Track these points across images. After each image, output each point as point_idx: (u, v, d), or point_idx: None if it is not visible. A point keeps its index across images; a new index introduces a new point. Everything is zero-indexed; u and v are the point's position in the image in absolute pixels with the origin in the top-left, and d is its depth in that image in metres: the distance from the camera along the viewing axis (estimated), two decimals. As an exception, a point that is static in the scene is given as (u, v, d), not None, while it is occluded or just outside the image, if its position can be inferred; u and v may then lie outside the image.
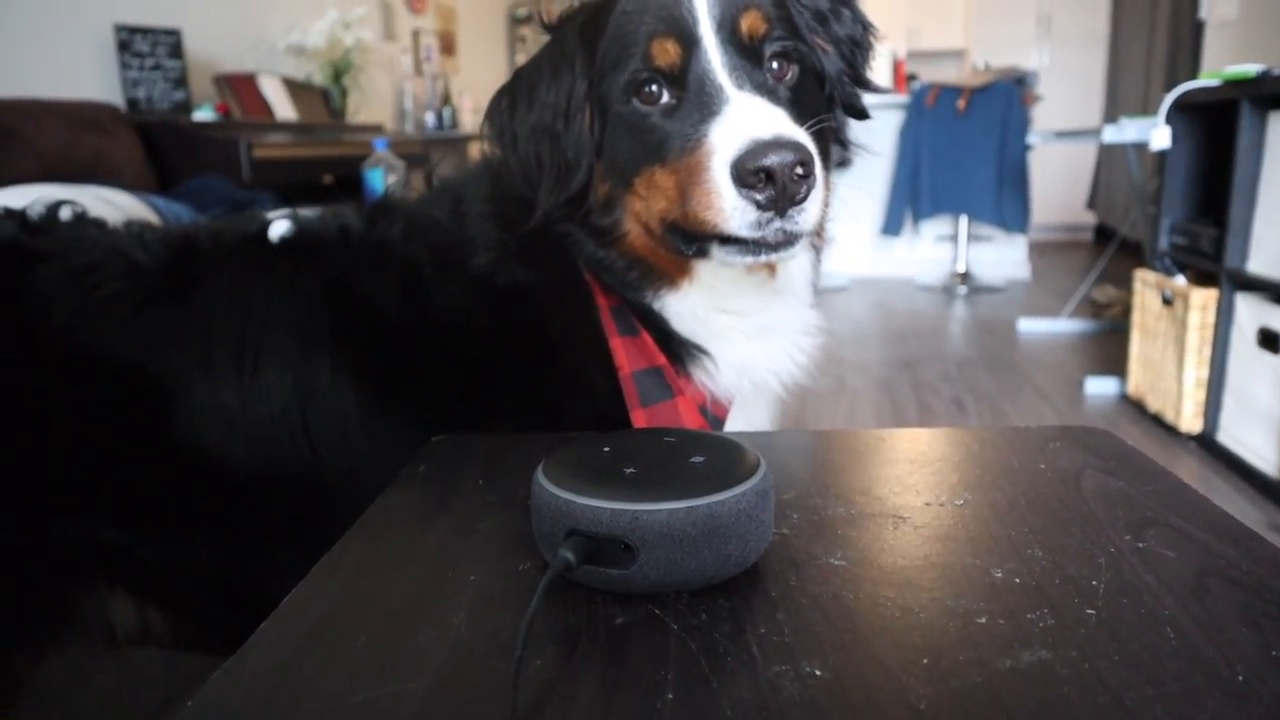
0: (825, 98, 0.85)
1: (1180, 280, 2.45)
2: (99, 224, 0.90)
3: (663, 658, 0.39)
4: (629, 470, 0.44)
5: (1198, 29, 4.27)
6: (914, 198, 4.86)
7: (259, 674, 0.39)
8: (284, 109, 3.97)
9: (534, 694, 0.37)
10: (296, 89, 4.17)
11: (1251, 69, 2.12)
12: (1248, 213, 2.19)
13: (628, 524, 0.41)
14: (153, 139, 3.12)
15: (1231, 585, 0.45)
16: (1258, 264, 2.16)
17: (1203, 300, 2.31)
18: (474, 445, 0.67)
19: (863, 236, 5.39)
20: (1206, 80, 2.30)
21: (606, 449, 0.47)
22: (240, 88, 3.78)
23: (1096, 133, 3.00)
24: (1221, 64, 3.35)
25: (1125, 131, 2.84)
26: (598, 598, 0.44)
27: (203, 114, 3.46)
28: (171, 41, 3.40)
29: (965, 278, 4.91)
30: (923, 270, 5.28)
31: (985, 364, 3.25)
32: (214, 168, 3.11)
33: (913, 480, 0.58)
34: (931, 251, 5.37)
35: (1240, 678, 0.37)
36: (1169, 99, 2.46)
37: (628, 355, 0.79)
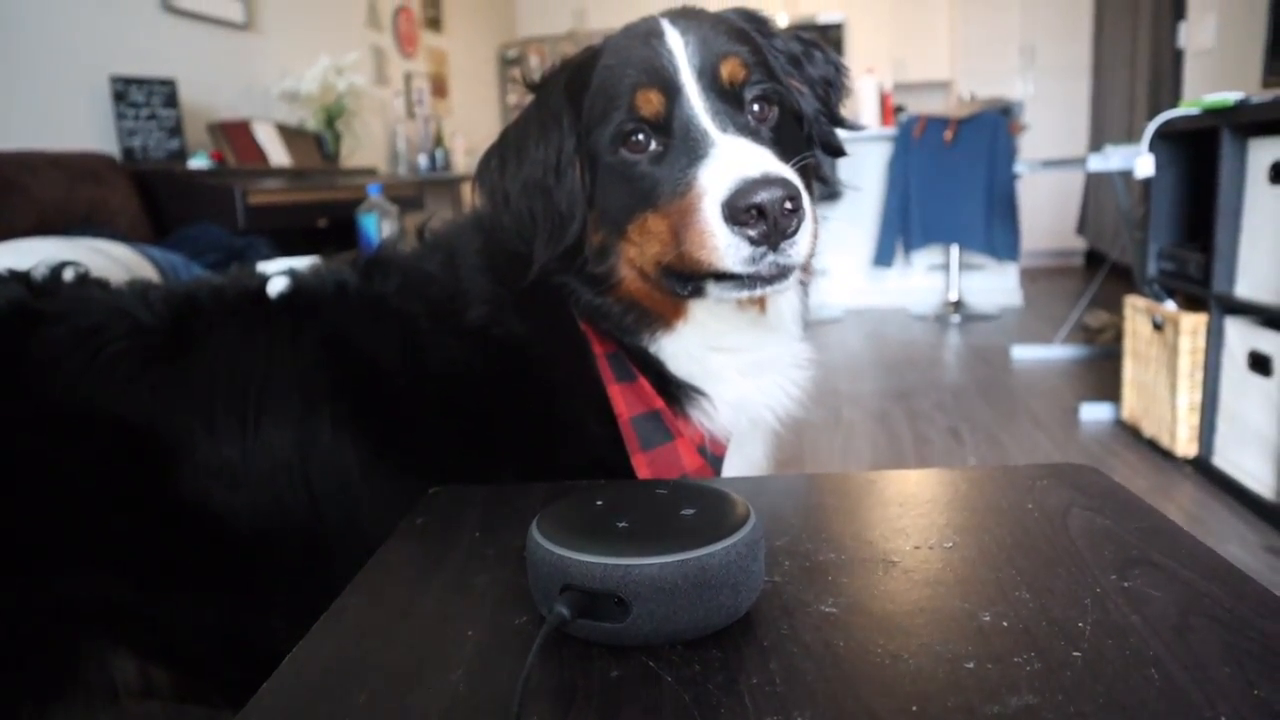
0: (805, 136, 0.87)
1: (1170, 305, 2.47)
2: (103, 284, 0.91)
3: (657, 710, 0.39)
4: (621, 524, 0.45)
5: (1177, 57, 4.33)
6: (904, 228, 4.90)
7: (261, 737, 0.40)
8: (278, 155, 4.01)
9: (531, 751, 0.37)
10: (290, 135, 4.21)
11: (1230, 97, 2.16)
12: (1233, 237, 2.22)
13: (620, 578, 0.42)
14: (148, 188, 3.15)
15: (1215, 624, 0.46)
16: (1245, 288, 2.18)
17: (1192, 325, 2.33)
18: (471, 496, 0.68)
19: (855, 268, 5.42)
20: (1186, 109, 2.34)
21: (599, 502, 0.48)
22: (234, 135, 3.82)
23: (1082, 161, 3.03)
24: (1201, 92, 3.40)
25: (1110, 159, 2.88)
26: (593, 651, 0.45)
27: (197, 162, 3.49)
28: (166, 91, 3.44)
29: (958, 306, 4.94)
30: (916, 300, 5.32)
31: (980, 392, 3.26)
32: (209, 215, 3.14)
33: (902, 523, 0.59)
34: (924, 281, 5.40)
35: (1222, 718, 0.38)
36: (1151, 127, 2.50)
37: (625, 401, 0.80)
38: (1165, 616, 0.47)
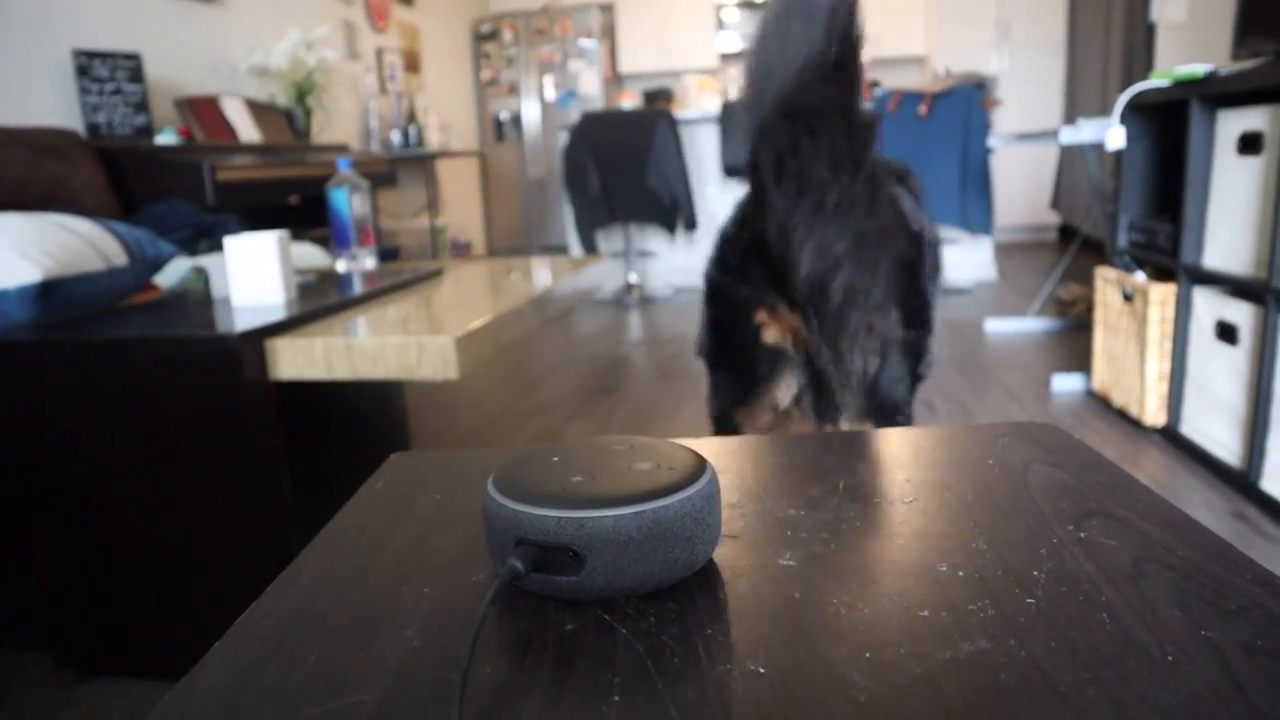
0: None
1: (1140, 276, 2.49)
2: None
3: (610, 661, 0.39)
4: (576, 479, 0.44)
5: (1150, 31, 4.35)
6: (879, 203, 4.91)
7: (208, 694, 0.40)
8: (247, 131, 3.96)
9: (483, 701, 0.37)
10: (260, 110, 4.15)
11: (1199, 69, 2.17)
12: (1201, 208, 2.23)
13: (574, 531, 0.41)
14: (114, 164, 3.10)
15: (1167, 570, 0.46)
16: (1213, 258, 2.20)
17: (1161, 295, 2.35)
18: (432, 460, 0.67)
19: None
20: (1157, 81, 2.35)
21: (556, 459, 0.47)
22: (203, 110, 3.76)
23: (1055, 134, 3.05)
24: (1172, 65, 3.41)
25: (1082, 132, 2.89)
26: (549, 605, 0.44)
27: (165, 138, 3.44)
28: (132, 66, 3.38)
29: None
30: (891, 274, 5.31)
31: (954, 365, 3.28)
32: (177, 191, 3.10)
33: (863, 480, 0.59)
34: (899, 255, 5.41)
35: (1170, 658, 0.38)
36: (1123, 99, 2.51)
37: None
38: (1119, 564, 0.47)
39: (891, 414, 1.26)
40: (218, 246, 2.20)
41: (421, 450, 0.70)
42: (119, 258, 1.77)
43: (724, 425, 1.34)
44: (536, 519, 0.42)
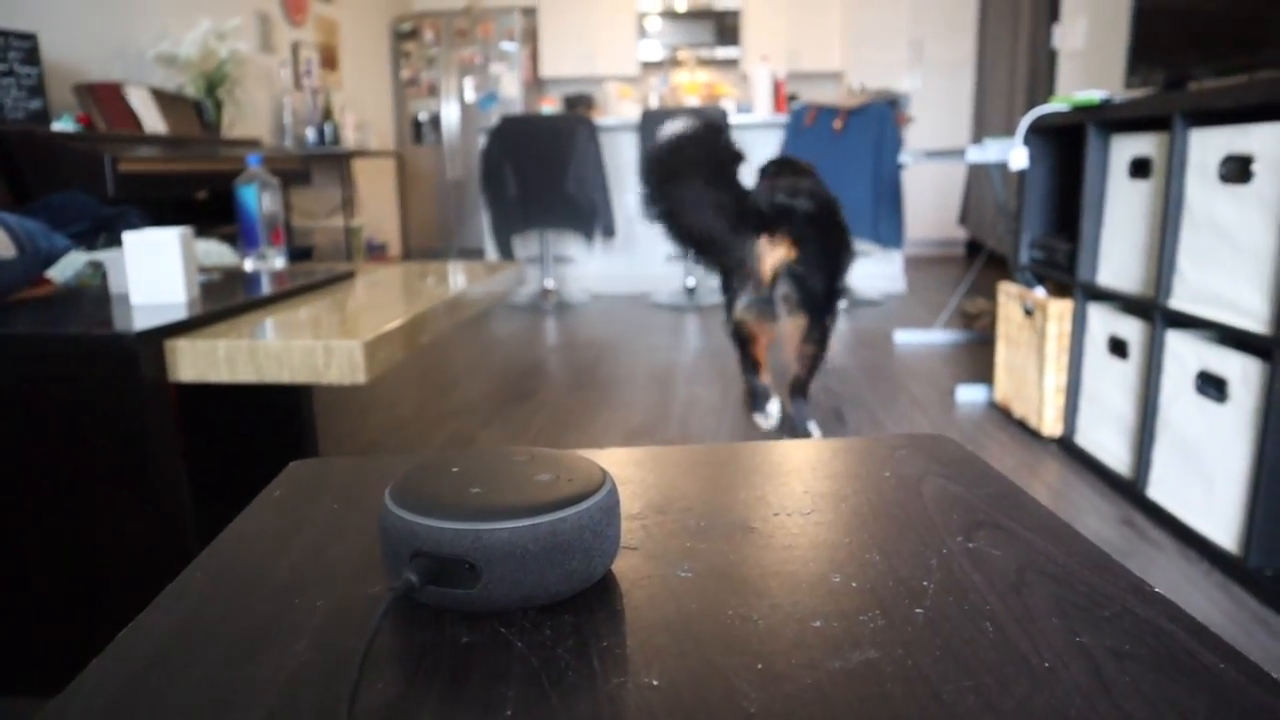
0: None
1: (1040, 292, 2.59)
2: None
3: (504, 675, 0.39)
4: (475, 490, 0.44)
5: (1052, 57, 4.53)
6: (795, 214, 5.00)
7: (80, 715, 0.38)
8: (153, 121, 3.82)
9: (372, 716, 0.37)
10: (167, 100, 4.01)
11: (1096, 96, 2.27)
12: (1097, 228, 2.34)
13: (470, 544, 0.41)
14: (6, 150, 2.96)
15: (1047, 579, 0.48)
16: (1107, 276, 2.30)
17: (1059, 311, 2.45)
18: (331, 468, 0.66)
19: (748, 252, 5.49)
20: (1057, 105, 2.45)
21: (455, 469, 0.47)
22: (105, 98, 3.62)
23: (963, 153, 3.14)
24: (1072, 90, 3.56)
25: (988, 152, 2.99)
26: (444, 618, 0.44)
27: (63, 125, 3.29)
28: (26, 46, 3.23)
29: (845, 292, 5.07)
30: (806, 284, 5.42)
31: (864, 375, 3.36)
32: (75, 182, 2.97)
33: (763, 492, 0.60)
34: (813, 266, 5.52)
35: (1047, 664, 0.40)
36: (1025, 121, 2.60)
37: None
38: (1004, 574, 0.49)
39: (825, 311, 2.50)
40: (118, 241, 2.12)
41: (322, 458, 0.68)
42: (6, 250, 1.69)
43: (738, 330, 2.63)
44: (433, 531, 0.42)
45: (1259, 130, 1.68)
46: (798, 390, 2.58)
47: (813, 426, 2.65)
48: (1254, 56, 1.88)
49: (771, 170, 2.87)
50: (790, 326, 2.48)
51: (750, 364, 2.69)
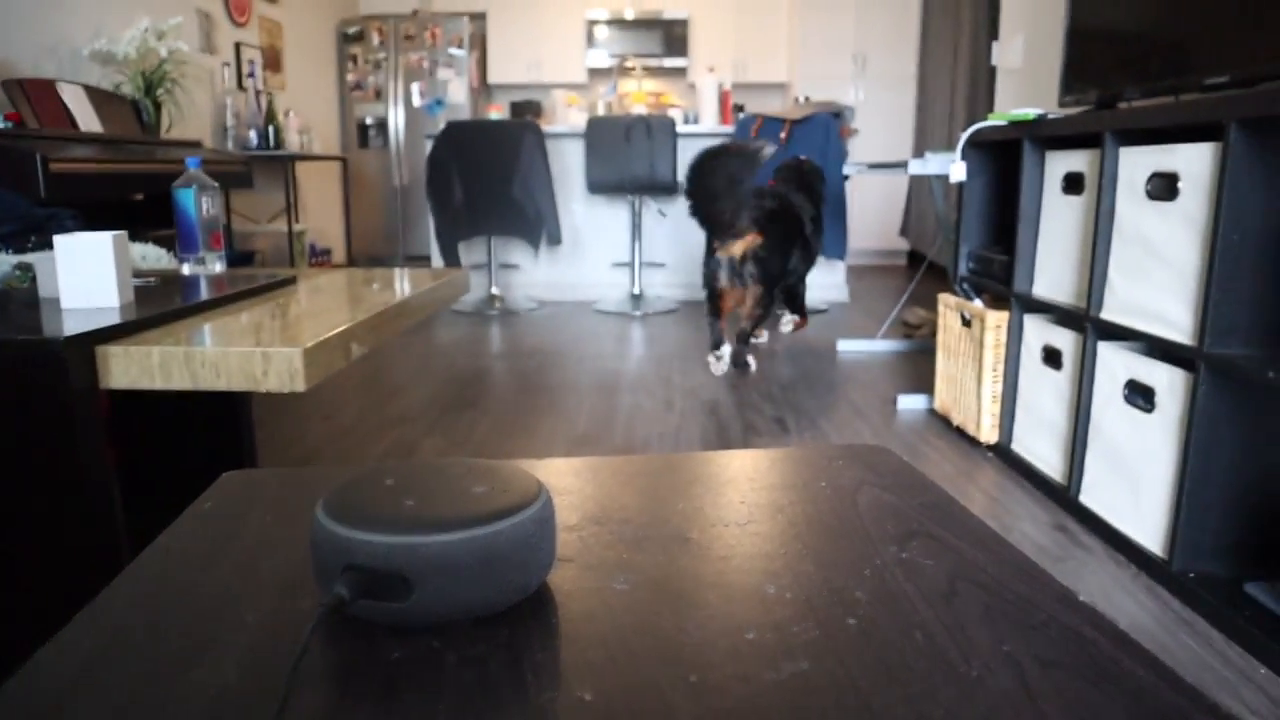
0: None
1: (977, 303, 2.65)
2: None
3: (436, 690, 0.39)
4: (409, 502, 0.44)
5: (992, 74, 4.64)
6: (741, 224, 5.04)
7: (-5, 736, 0.37)
8: (88, 120, 3.72)
9: (300, 736, 0.36)
10: (103, 99, 3.91)
11: (1031, 112, 2.32)
12: (1033, 241, 2.39)
13: (404, 557, 0.41)
14: (-71, 150, 2.86)
15: (977, 588, 0.49)
16: (1041, 288, 2.36)
17: (996, 321, 2.50)
18: (263, 480, 0.65)
19: (692, 262, 5.53)
20: (995, 120, 2.51)
21: (390, 482, 0.46)
22: (37, 95, 3.51)
23: (904, 165, 3.20)
24: (1010, 106, 3.65)
25: (929, 165, 3.05)
26: (377, 633, 0.43)
27: (-10, 124, 3.19)
28: (-47, 45, 3.13)
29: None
30: (752, 293, 5.47)
31: (806, 384, 3.39)
32: (5, 182, 2.88)
33: (701, 503, 0.60)
34: (759, 275, 5.58)
35: (975, 673, 0.41)
36: (964, 136, 2.66)
37: None
38: (935, 584, 0.50)
39: (796, 290, 3.96)
40: (50, 244, 2.05)
41: (255, 469, 0.67)
42: (-71, 253, 1.63)
43: (711, 288, 3.51)
44: (365, 544, 0.41)
45: (1184, 150, 1.74)
46: (742, 338, 3.60)
47: (751, 361, 3.64)
48: (1180, 79, 1.94)
49: (781, 173, 3.93)
50: (748, 294, 3.47)
51: (715, 312, 3.57)
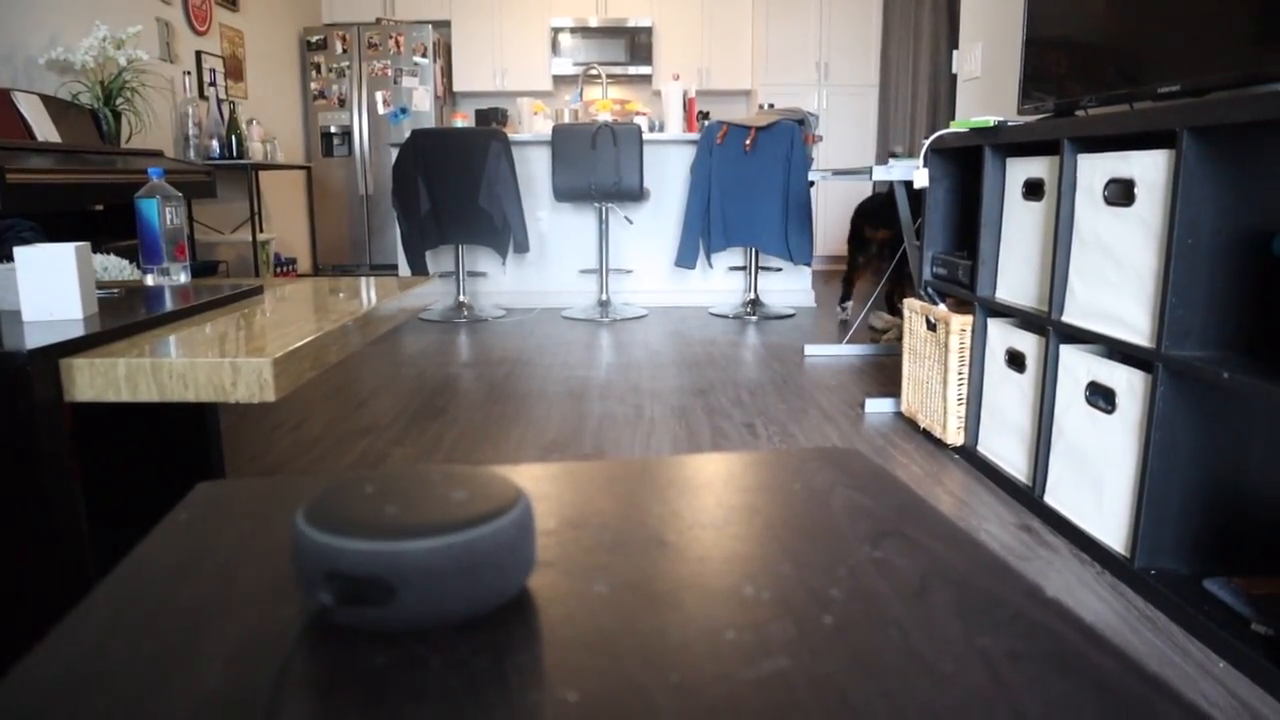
0: None
1: (942, 307, 2.68)
2: None
3: (422, 694, 0.39)
4: (390, 509, 0.44)
5: (953, 81, 4.71)
6: (706, 231, 5.07)
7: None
8: (45, 130, 3.66)
9: (286, 743, 0.36)
10: (60, 109, 3.85)
11: (991, 119, 2.37)
12: (995, 246, 2.43)
13: (387, 562, 0.41)
14: (-118, 161, 2.80)
15: (950, 585, 0.50)
16: (1005, 292, 2.40)
17: (960, 325, 2.54)
18: (240, 490, 0.64)
19: (659, 268, 5.55)
20: (957, 128, 2.55)
21: (370, 489, 0.47)
22: (-9, 106, 3.46)
23: (868, 171, 3.24)
24: (971, 114, 3.71)
25: (892, 171, 3.09)
26: (360, 639, 0.44)
27: (-56, 134, 3.13)
28: (-95, 53, 3.07)
29: (756, 306, 5.16)
30: (716, 300, 5.51)
31: (774, 388, 3.42)
32: (-42, 193, 2.83)
33: (677, 506, 0.61)
34: (724, 282, 5.62)
35: (948, 666, 0.42)
36: (927, 143, 2.70)
37: None
38: (908, 582, 0.51)
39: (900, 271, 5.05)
40: (8, 256, 2.02)
41: (231, 479, 0.67)
42: (-115, 266, 1.60)
43: (848, 280, 5.17)
44: (347, 550, 0.41)
45: (1139, 157, 1.78)
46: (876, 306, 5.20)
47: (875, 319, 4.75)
48: (1135, 88, 1.99)
49: (869, 207, 4.92)
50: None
51: (849, 284, 5.09)
